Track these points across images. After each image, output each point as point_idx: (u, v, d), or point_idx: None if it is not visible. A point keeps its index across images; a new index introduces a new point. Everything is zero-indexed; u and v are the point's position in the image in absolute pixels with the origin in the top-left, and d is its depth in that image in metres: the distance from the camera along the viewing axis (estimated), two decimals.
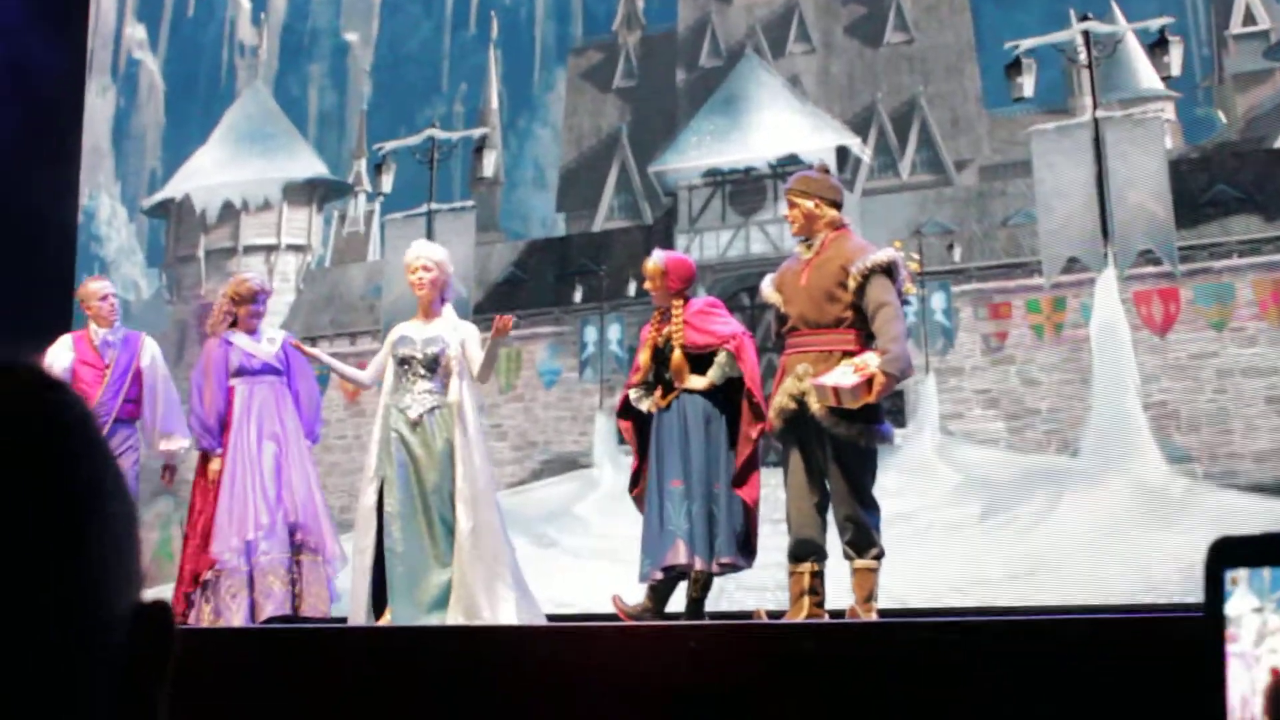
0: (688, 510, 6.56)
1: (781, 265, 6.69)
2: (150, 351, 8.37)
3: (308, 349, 7.58)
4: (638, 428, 6.98)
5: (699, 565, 6.59)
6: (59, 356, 8.15)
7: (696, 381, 6.75)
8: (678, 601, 6.93)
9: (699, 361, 6.78)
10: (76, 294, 8.71)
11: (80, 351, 8.22)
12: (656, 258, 6.88)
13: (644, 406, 6.91)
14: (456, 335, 7.12)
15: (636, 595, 6.94)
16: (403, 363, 7.11)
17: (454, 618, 6.70)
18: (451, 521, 6.88)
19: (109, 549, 0.96)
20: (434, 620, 6.67)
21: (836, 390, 6.03)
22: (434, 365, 7.06)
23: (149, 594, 0.99)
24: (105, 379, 8.13)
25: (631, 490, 7.00)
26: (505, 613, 6.69)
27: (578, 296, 11.18)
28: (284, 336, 8.01)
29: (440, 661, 5.17)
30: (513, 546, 7.04)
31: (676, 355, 6.75)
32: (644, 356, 6.86)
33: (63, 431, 0.95)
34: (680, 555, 6.55)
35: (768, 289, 6.58)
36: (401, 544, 6.83)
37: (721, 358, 6.72)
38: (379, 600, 6.79)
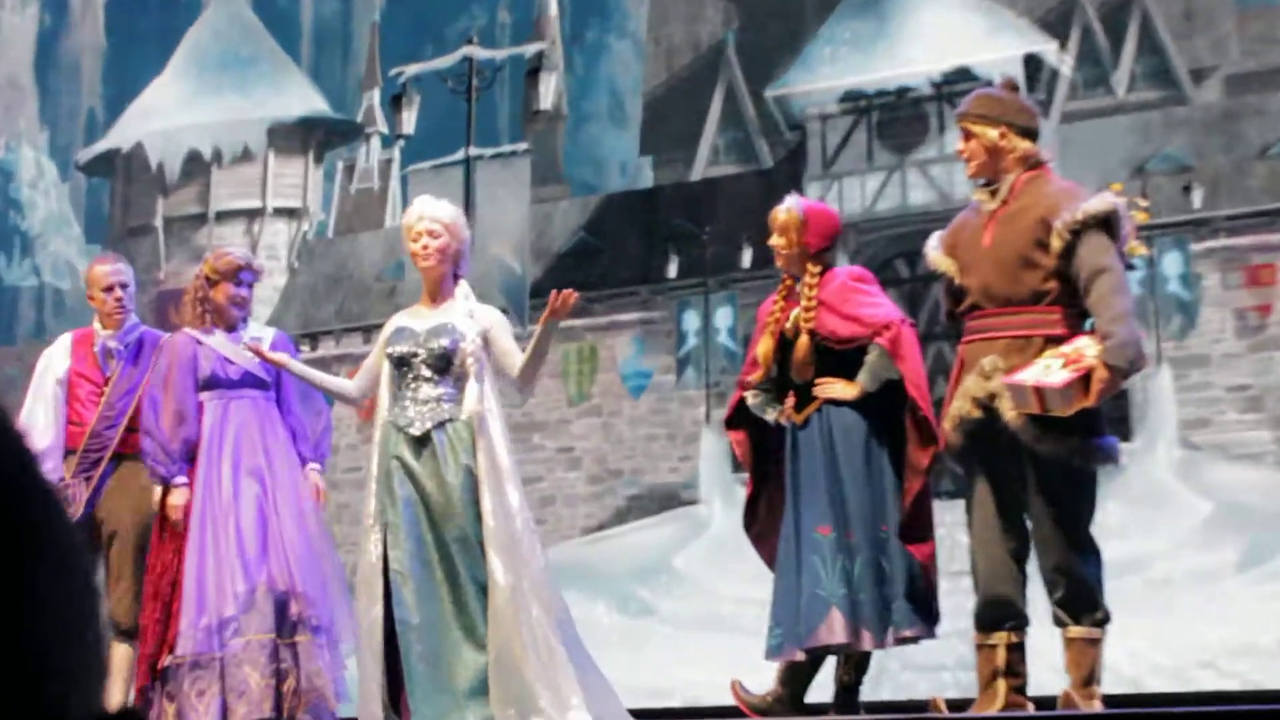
0: (843, 569, 6.49)
1: (954, 220, 6.63)
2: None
3: (270, 354, 7.51)
4: (754, 442, 6.95)
5: (867, 644, 6.54)
6: (53, 363, 8.23)
7: (842, 390, 6.68)
8: (820, 686, 6.89)
9: (839, 359, 6.71)
10: (85, 278, 8.77)
11: (78, 358, 8.28)
12: (791, 205, 6.82)
13: (769, 416, 6.86)
14: (475, 324, 7.04)
15: (763, 678, 6.90)
16: (401, 363, 6.96)
17: (501, 712, 6.70)
18: (483, 578, 6.86)
19: (57, 643, 0.98)
20: (472, 718, 6.68)
21: (1040, 392, 5.95)
22: (444, 364, 6.93)
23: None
24: (102, 401, 8.20)
25: (748, 529, 6.98)
26: (574, 711, 6.67)
27: (672, 270, 11.17)
28: (274, 335, 8.05)
29: None
30: (568, 612, 7.03)
31: (801, 345, 6.68)
32: (764, 347, 6.79)
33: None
34: (836, 632, 6.47)
35: (935, 253, 6.51)
36: (417, 614, 6.83)
37: (872, 355, 6.62)
38: (395, 693, 6.82)
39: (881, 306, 6.69)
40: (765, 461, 6.91)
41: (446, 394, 6.79)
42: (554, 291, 6.66)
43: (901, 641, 6.62)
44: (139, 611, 7.58)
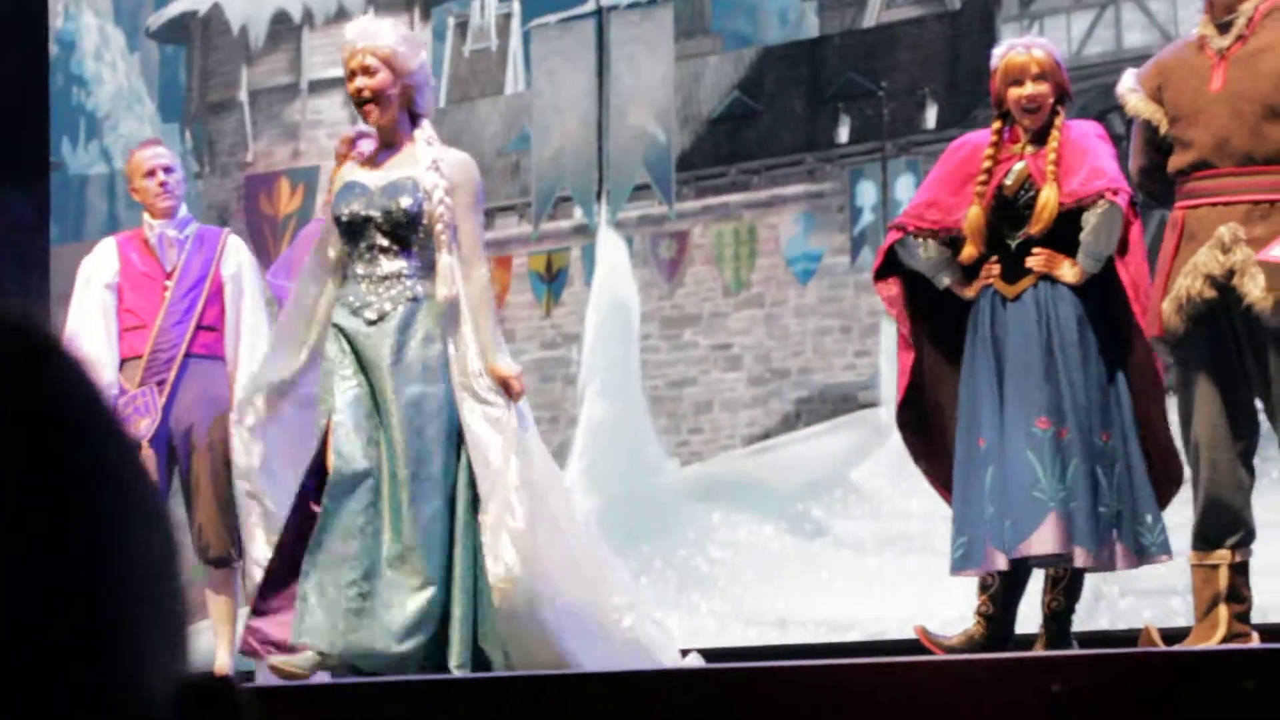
0: (1061, 468, 6.51)
1: (1160, 56, 6.57)
2: (237, 256, 8.52)
3: None
4: (912, 300, 6.96)
5: (1082, 560, 6.55)
6: (98, 269, 8.36)
7: (1068, 271, 6.66)
8: (1026, 614, 6.91)
9: (1058, 230, 6.69)
10: (125, 169, 8.89)
11: (129, 259, 8.39)
12: (1039, 43, 6.90)
13: (945, 282, 6.86)
14: (442, 178, 6.62)
15: (956, 611, 6.92)
16: (351, 227, 6.66)
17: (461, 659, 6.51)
18: (442, 506, 6.59)
19: (134, 604, 0.98)
20: (399, 652, 6.50)
21: None
22: (406, 228, 6.58)
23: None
24: (167, 296, 8.32)
25: (901, 417, 7.01)
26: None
27: (843, 134, 11.12)
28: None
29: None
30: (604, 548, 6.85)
31: (1049, 201, 6.65)
32: (974, 214, 6.75)
33: (57, 429, 0.97)
34: (1052, 540, 6.50)
35: (1136, 96, 6.47)
36: (359, 515, 6.46)
37: (1099, 214, 6.58)
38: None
39: (1115, 164, 6.71)
40: (928, 328, 6.94)
41: (411, 268, 6.56)
42: (511, 376, 6.53)
43: (1149, 561, 6.65)
44: (233, 534, 7.71)
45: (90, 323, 8.17)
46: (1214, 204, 6.21)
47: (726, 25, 11.72)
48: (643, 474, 11.30)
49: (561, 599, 6.44)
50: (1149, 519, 6.60)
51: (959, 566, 6.69)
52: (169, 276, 8.29)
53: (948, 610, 7.05)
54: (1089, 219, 6.57)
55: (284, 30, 12.77)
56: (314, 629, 6.42)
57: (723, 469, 11.08)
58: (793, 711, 5.13)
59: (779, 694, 5.24)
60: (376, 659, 6.42)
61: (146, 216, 8.43)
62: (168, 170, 8.32)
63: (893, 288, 6.98)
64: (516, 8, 12.31)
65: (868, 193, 10.99)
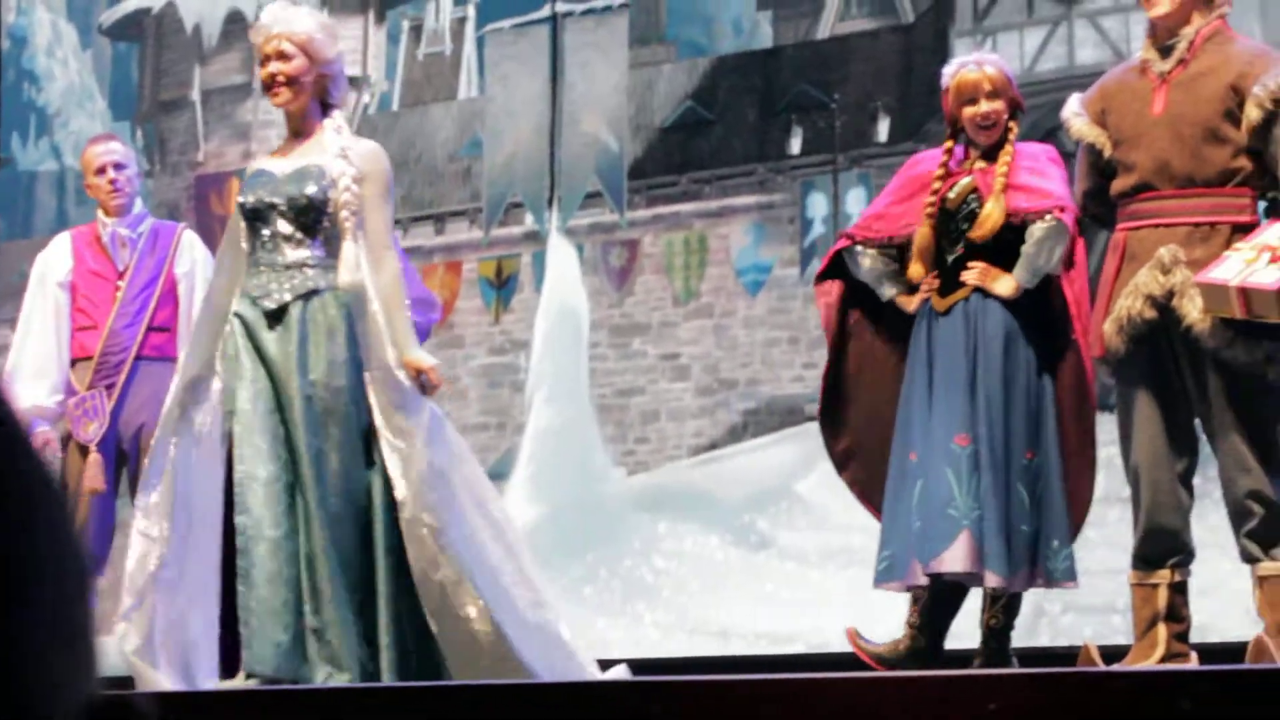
0: (977, 486, 6.51)
1: (1102, 81, 6.60)
2: (191, 253, 8.43)
3: None
4: (850, 302, 6.96)
5: (992, 581, 6.55)
6: (51, 266, 8.30)
7: (1003, 285, 6.65)
8: (963, 634, 6.91)
9: (998, 244, 6.69)
10: (80, 165, 8.83)
11: (83, 256, 8.34)
12: (989, 59, 6.88)
13: (888, 294, 6.87)
14: (350, 166, 6.46)
15: (895, 622, 6.93)
16: (255, 216, 6.49)
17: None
18: (347, 505, 6.34)
19: (43, 624, 0.99)
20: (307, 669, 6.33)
21: (1246, 294, 5.90)
22: (311, 215, 6.41)
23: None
24: (119, 296, 8.26)
25: (825, 411, 7.01)
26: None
27: (795, 146, 11.13)
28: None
29: None
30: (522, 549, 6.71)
31: (994, 215, 6.65)
32: (923, 234, 6.75)
33: None
34: (962, 558, 6.51)
35: (1080, 120, 6.49)
36: (268, 526, 6.26)
37: (1043, 230, 6.58)
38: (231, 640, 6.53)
39: (1063, 186, 6.71)
40: (867, 338, 6.94)
41: (314, 258, 6.39)
42: (428, 370, 6.33)
43: (1055, 585, 6.67)
44: None
45: (43, 322, 8.12)
46: (1155, 226, 6.24)
47: (681, 34, 11.71)
48: (589, 482, 11.29)
49: (487, 597, 6.34)
50: (1055, 543, 6.61)
51: (882, 579, 6.71)
52: (121, 276, 8.24)
53: (890, 623, 7.05)
54: (1034, 232, 6.58)
55: (238, 30, 12.74)
56: (261, 657, 6.27)
57: (669, 479, 11.07)
58: None
59: (713, 707, 5.24)
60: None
61: (100, 214, 8.38)
62: (118, 167, 8.24)
63: (831, 293, 6.97)
64: (471, 12, 12.29)
65: (819, 204, 10.99)
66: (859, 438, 6.96)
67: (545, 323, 11.58)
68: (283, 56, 6.41)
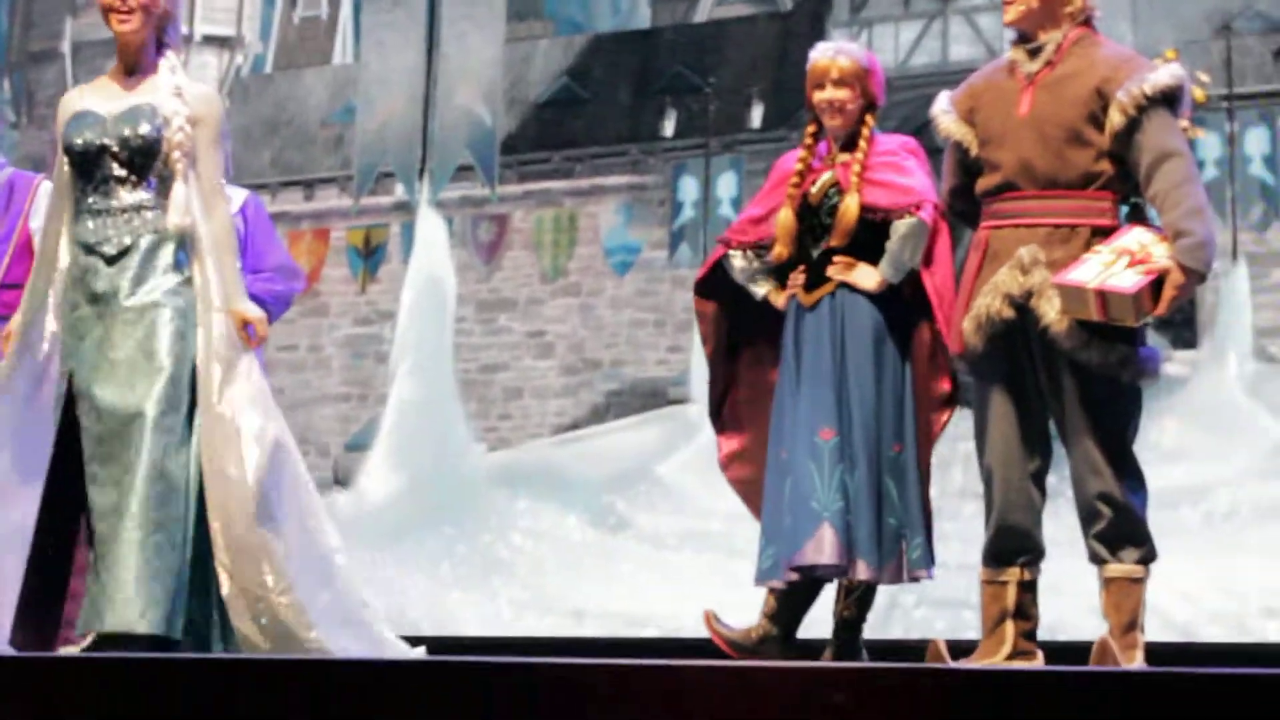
0: (842, 480, 6.52)
1: (971, 80, 6.60)
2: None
3: None
4: (728, 314, 6.94)
5: (864, 573, 6.57)
6: None
7: (865, 277, 6.66)
8: (818, 622, 6.93)
9: (860, 240, 6.70)
10: None
11: None
12: (848, 49, 6.80)
13: (760, 291, 6.86)
14: (183, 106, 6.22)
15: (749, 611, 6.93)
16: (84, 159, 6.23)
17: (242, 627, 6.20)
18: (180, 438, 6.09)
19: None
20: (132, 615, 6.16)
21: (1104, 297, 5.93)
22: (143, 160, 6.18)
23: None
24: None
25: (715, 414, 6.99)
26: (329, 633, 6.26)
27: (669, 128, 11.15)
28: (245, 196, 7.95)
29: (394, 707, 5.20)
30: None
31: (850, 210, 6.65)
32: (785, 218, 6.75)
33: None
34: (826, 551, 6.51)
35: (948, 118, 6.47)
36: (106, 486, 6.03)
37: (905, 229, 6.60)
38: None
39: (924, 180, 6.69)
40: (745, 344, 6.93)
41: (148, 200, 6.20)
42: (247, 324, 6.13)
43: (912, 579, 6.66)
44: None
45: None
46: (1016, 226, 6.24)
47: (559, 10, 11.71)
48: (450, 457, 11.28)
49: (289, 553, 6.18)
50: (909, 534, 6.63)
51: (765, 577, 6.67)
52: None
53: (747, 611, 7.05)
54: (897, 229, 6.58)
55: None
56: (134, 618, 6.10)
57: (530, 457, 11.08)
58: (572, 711, 5.10)
59: (558, 691, 5.21)
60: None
61: None
62: None
63: (708, 308, 6.96)
64: None
65: (689, 188, 11.01)
66: (745, 440, 6.95)
67: (411, 294, 11.56)
68: None
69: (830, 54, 6.72)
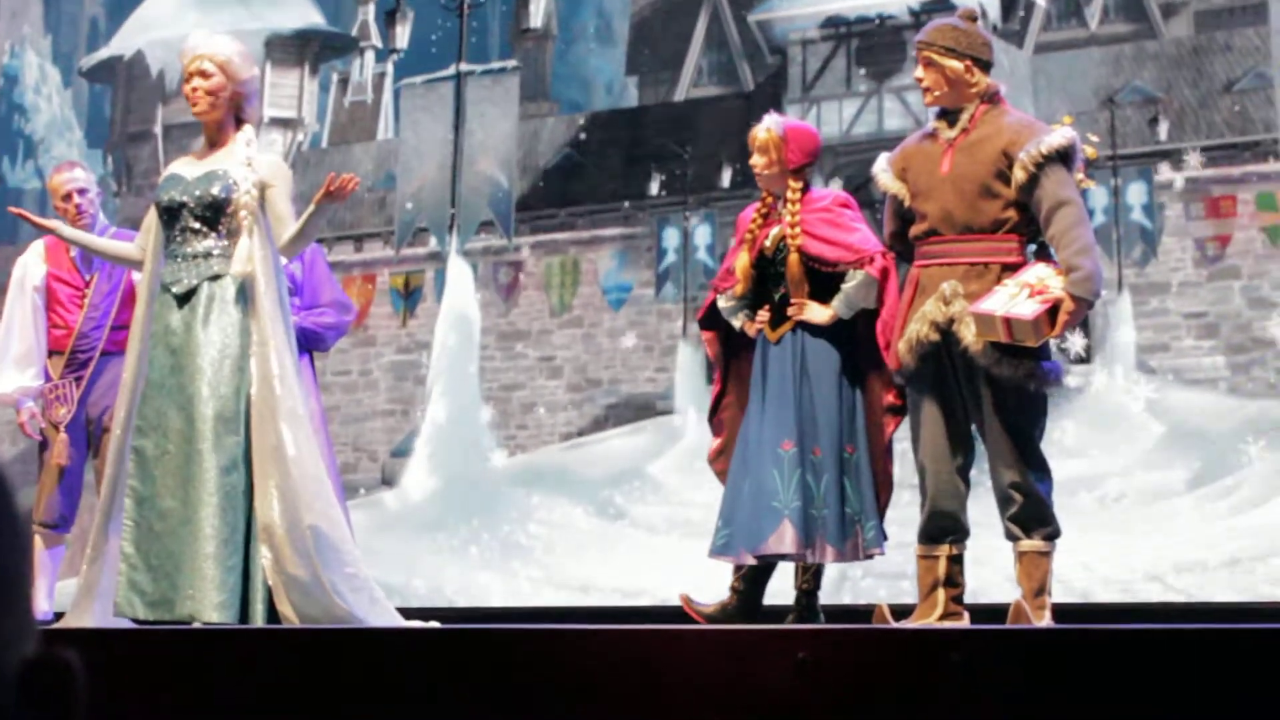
0: (800, 482, 6.50)
1: (903, 144, 6.57)
2: None
3: (38, 219, 6.91)
4: (724, 343, 6.92)
5: (829, 556, 6.57)
6: (29, 270, 8.13)
7: (817, 314, 6.64)
8: (775, 592, 6.91)
9: (816, 281, 6.67)
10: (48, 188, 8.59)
11: (55, 263, 8.16)
12: (771, 123, 6.72)
13: (737, 323, 6.84)
14: (252, 174, 6.18)
15: (722, 584, 6.91)
16: (169, 213, 6.18)
17: (283, 608, 5.92)
18: (232, 457, 5.97)
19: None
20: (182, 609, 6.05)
21: (1009, 322, 5.93)
22: (213, 215, 6.13)
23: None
24: (85, 303, 8.09)
25: (711, 417, 6.96)
26: (364, 609, 6.12)
27: (654, 188, 11.14)
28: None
29: (415, 670, 5.16)
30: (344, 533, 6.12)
31: (793, 264, 6.63)
32: (742, 260, 6.73)
33: None
34: (786, 542, 6.49)
35: (886, 175, 6.44)
36: (154, 489, 5.94)
37: (854, 282, 6.57)
38: None
39: (864, 233, 6.65)
40: (733, 363, 6.92)
41: (216, 248, 6.14)
42: (331, 174, 6.00)
43: (868, 557, 6.65)
44: None
45: (23, 320, 7.98)
46: (940, 264, 6.23)
47: (563, 93, 11.70)
48: (476, 461, 11.24)
49: (324, 559, 6.08)
50: (864, 519, 6.62)
51: (718, 552, 6.65)
52: (87, 285, 8.10)
53: (722, 583, 7.05)
54: (853, 277, 6.55)
55: None
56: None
57: (542, 460, 11.05)
58: (571, 672, 5.06)
59: (555, 656, 5.17)
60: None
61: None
62: (81, 193, 8.02)
63: (714, 340, 6.97)
64: (390, 69, 12.24)
65: (672, 237, 11.00)
66: (729, 438, 6.93)
67: (444, 328, 11.54)
68: (204, 74, 6.07)
69: (757, 127, 6.69)
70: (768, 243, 6.71)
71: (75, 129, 13.19)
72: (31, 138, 13.14)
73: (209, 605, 5.82)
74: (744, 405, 6.86)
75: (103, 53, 13.11)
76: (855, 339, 6.68)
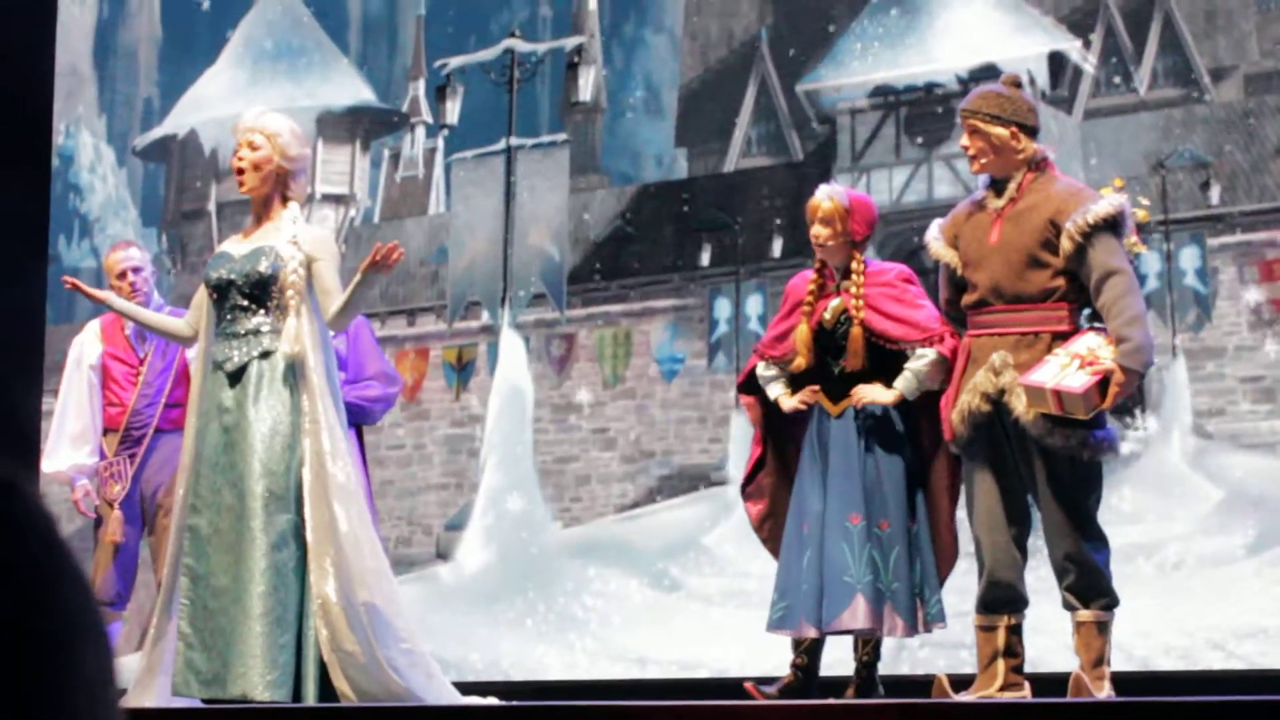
0: (870, 557, 6.47)
1: (954, 212, 6.56)
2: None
3: (92, 290, 6.92)
4: (764, 405, 6.87)
5: (900, 631, 6.55)
6: (85, 350, 8.19)
7: (882, 396, 6.57)
8: (831, 664, 6.89)
9: (876, 355, 6.61)
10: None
11: (110, 341, 8.22)
12: (834, 193, 6.67)
13: (773, 393, 6.78)
14: (299, 251, 6.13)
15: (780, 655, 6.89)
16: (218, 291, 6.18)
17: (341, 648, 5.87)
18: (281, 534, 5.93)
19: (81, 681, 0.96)
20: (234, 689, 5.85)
21: (1060, 395, 5.91)
22: (262, 291, 6.10)
23: None
24: (139, 381, 8.16)
25: (748, 483, 6.91)
26: (422, 685, 6.09)
27: (705, 259, 11.15)
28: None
29: None
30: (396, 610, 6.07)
31: (856, 339, 6.59)
32: (802, 332, 6.67)
33: (19, 563, 0.96)
34: (859, 617, 6.44)
35: (938, 244, 6.43)
36: (208, 567, 5.92)
37: (923, 361, 6.51)
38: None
39: (929, 310, 6.61)
40: (773, 428, 6.90)
41: (266, 325, 6.09)
42: (378, 245, 5.94)
43: (928, 630, 6.66)
44: None
45: (79, 398, 8.04)
46: (991, 334, 6.23)
47: (613, 165, 11.74)
48: (531, 533, 11.25)
49: (380, 635, 6.05)
50: (927, 593, 6.61)
51: (776, 626, 6.63)
52: (141, 363, 8.16)
53: (778, 655, 7.04)
54: (923, 355, 6.49)
55: None
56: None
57: (597, 531, 11.04)
58: None
59: None
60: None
61: None
62: (136, 271, 8.08)
63: (754, 404, 6.93)
64: (441, 143, 12.29)
65: (723, 308, 11.01)
66: (773, 505, 6.90)
67: (497, 400, 11.56)
68: (252, 146, 6.13)
69: (818, 197, 6.67)
70: (827, 315, 6.68)
71: (130, 208, 13.29)
72: (87, 217, 13.25)
73: (260, 683, 5.82)
74: (788, 473, 6.83)
75: (156, 132, 13.22)
76: (915, 410, 6.66)
